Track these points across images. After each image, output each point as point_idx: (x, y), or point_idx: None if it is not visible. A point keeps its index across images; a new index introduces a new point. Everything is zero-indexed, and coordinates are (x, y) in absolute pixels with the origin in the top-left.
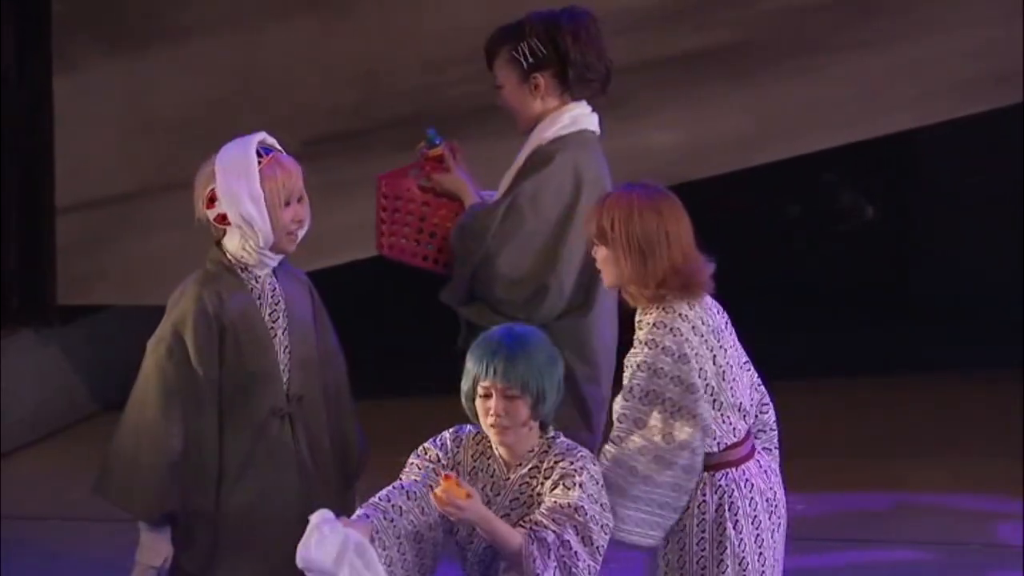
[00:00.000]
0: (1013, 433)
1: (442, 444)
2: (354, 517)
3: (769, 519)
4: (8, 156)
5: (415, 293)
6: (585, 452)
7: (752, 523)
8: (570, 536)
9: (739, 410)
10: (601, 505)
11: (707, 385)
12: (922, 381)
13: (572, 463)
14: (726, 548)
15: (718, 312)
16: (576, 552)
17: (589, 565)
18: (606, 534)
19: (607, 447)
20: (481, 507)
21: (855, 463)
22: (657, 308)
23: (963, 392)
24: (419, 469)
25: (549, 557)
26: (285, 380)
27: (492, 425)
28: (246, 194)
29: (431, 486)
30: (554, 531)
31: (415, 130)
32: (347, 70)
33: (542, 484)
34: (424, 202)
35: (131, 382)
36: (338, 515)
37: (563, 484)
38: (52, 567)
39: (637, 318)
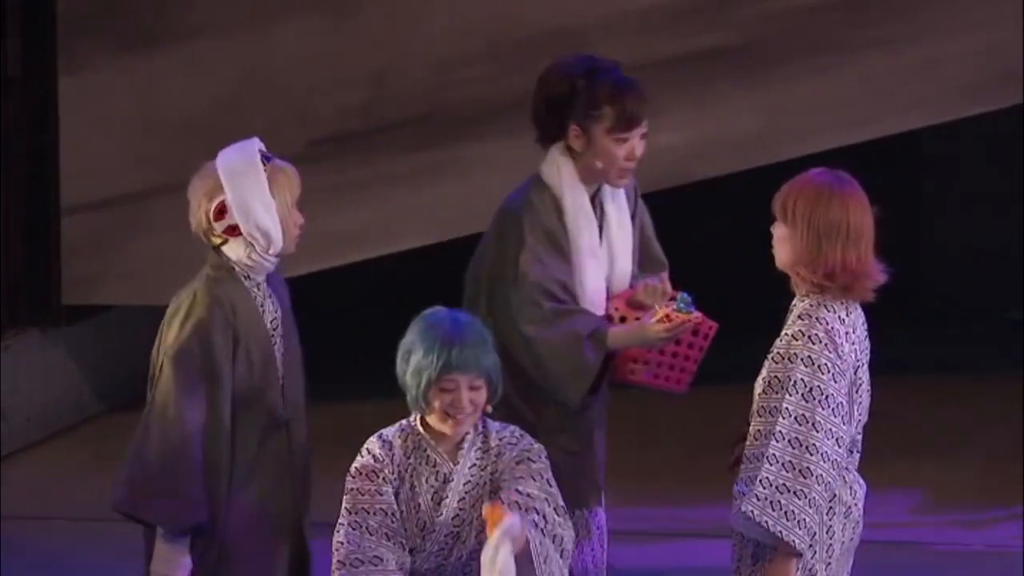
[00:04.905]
0: (1013, 433)
1: (379, 458)
2: None
3: (842, 531)
4: (14, 156)
5: (422, 293)
6: (518, 429)
7: (827, 532)
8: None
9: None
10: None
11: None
12: (922, 381)
13: (530, 444)
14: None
15: (862, 324)
16: (558, 522)
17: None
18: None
19: (775, 444)
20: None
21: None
22: (810, 298)
23: (964, 392)
24: (373, 496)
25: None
26: (280, 386)
27: (456, 417)
28: (260, 205)
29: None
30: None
31: (424, 130)
32: (355, 70)
33: (494, 463)
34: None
35: (137, 383)
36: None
37: (528, 462)
38: (58, 568)
39: (792, 305)
